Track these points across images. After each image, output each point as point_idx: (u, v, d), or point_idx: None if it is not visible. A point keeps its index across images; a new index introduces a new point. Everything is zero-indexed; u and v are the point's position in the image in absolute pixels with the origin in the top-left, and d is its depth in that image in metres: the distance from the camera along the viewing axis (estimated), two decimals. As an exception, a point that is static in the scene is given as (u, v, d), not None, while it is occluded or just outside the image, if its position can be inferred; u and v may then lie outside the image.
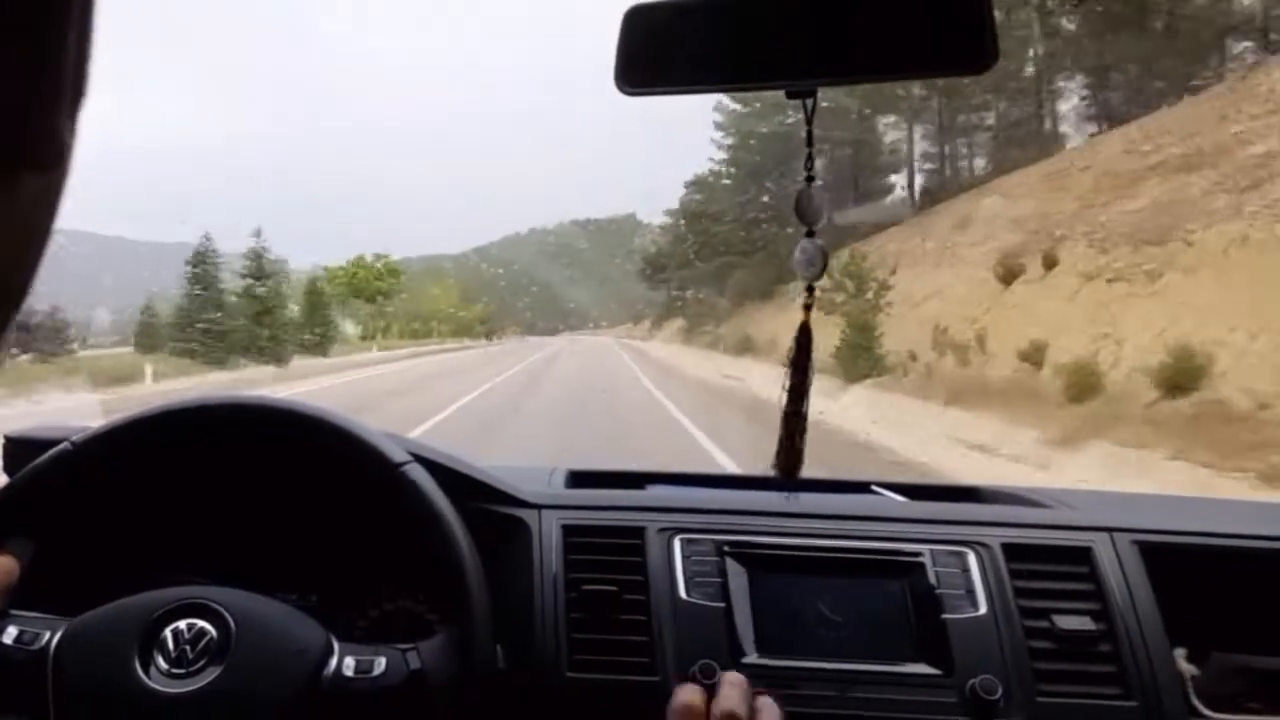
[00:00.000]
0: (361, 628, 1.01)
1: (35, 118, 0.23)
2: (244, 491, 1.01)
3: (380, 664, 0.78)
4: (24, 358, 20.67)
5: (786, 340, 0.90)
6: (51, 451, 0.90)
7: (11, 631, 0.79)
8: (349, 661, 0.78)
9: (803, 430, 1.04)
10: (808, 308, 1.01)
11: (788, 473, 1.04)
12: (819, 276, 0.98)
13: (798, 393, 1.03)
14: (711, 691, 0.86)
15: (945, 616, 0.90)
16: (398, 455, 0.88)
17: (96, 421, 0.95)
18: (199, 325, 26.37)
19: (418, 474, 0.87)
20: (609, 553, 0.97)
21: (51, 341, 23.21)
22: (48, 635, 0.78)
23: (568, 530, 0.99)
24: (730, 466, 7.08)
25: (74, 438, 0.90)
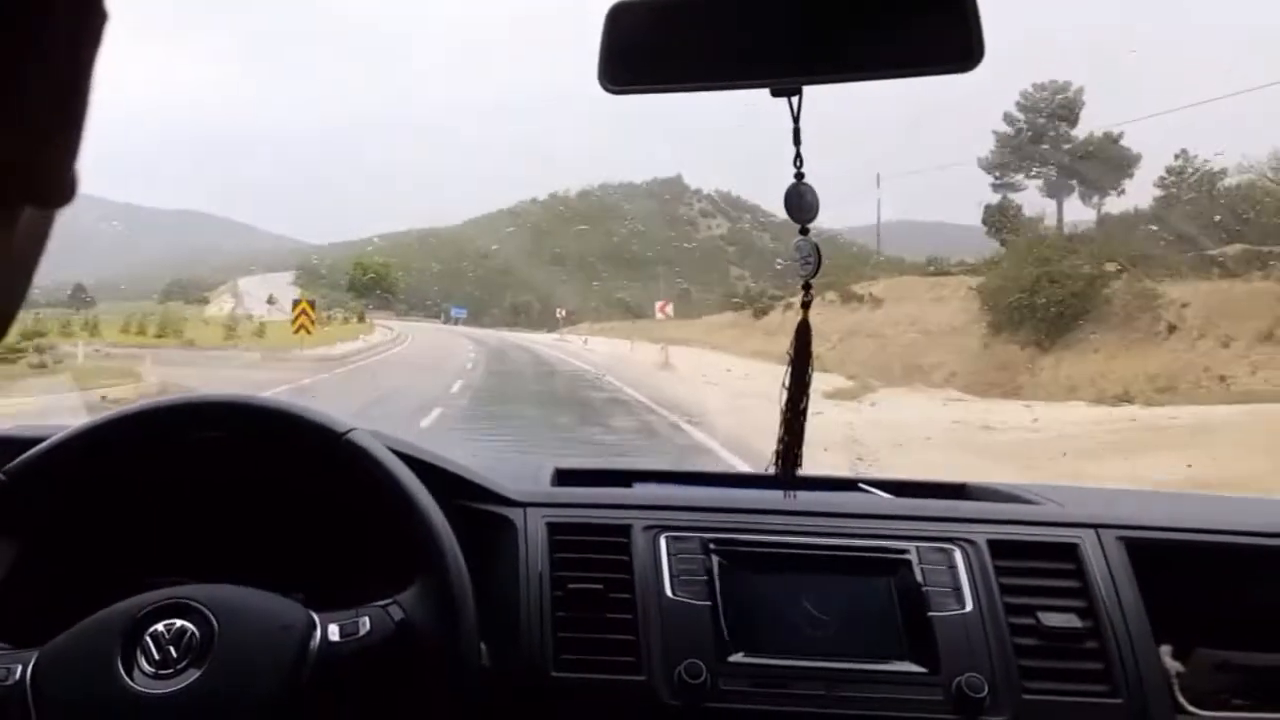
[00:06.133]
0: None
1: (46, 158, 0.23)
2: (207, 491, 1.00)
3: (365, 623, 0.78)
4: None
5: None
6: None
7: None
8: (333, 628, 0.78)
9: (801, 429, 1.03)
10: (805, 306, 1.01)
11: (787, 471, 1.04)
12: (815, 274, 0.97)
13: (796, 392, 1.02)
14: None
15: (931, 614, 0.90)
16: (340, 425, 0.87)
17: (81, 418, 0.93)
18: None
19: (363, 438, 0.87)
20: (595, 551, 0.97)
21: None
22: (20, 669, 0.76)
23: (553, 528, 0.98)
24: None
25: (7, 467, 0.86)
